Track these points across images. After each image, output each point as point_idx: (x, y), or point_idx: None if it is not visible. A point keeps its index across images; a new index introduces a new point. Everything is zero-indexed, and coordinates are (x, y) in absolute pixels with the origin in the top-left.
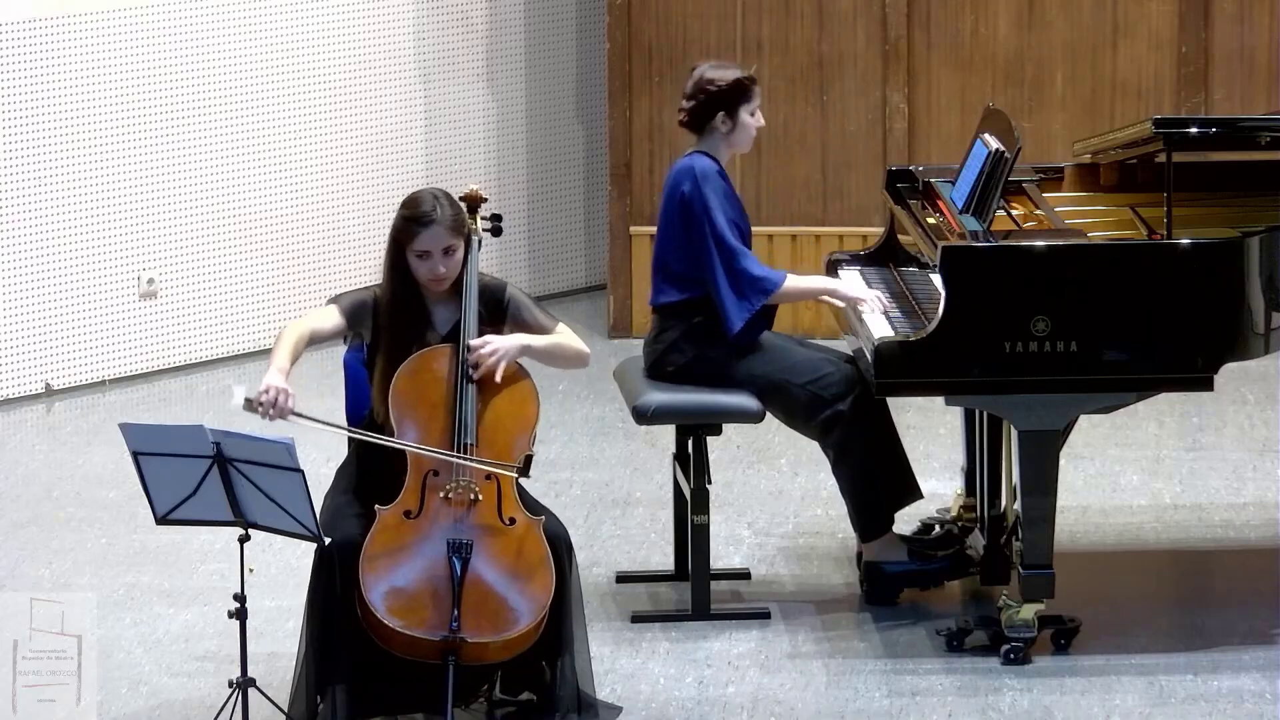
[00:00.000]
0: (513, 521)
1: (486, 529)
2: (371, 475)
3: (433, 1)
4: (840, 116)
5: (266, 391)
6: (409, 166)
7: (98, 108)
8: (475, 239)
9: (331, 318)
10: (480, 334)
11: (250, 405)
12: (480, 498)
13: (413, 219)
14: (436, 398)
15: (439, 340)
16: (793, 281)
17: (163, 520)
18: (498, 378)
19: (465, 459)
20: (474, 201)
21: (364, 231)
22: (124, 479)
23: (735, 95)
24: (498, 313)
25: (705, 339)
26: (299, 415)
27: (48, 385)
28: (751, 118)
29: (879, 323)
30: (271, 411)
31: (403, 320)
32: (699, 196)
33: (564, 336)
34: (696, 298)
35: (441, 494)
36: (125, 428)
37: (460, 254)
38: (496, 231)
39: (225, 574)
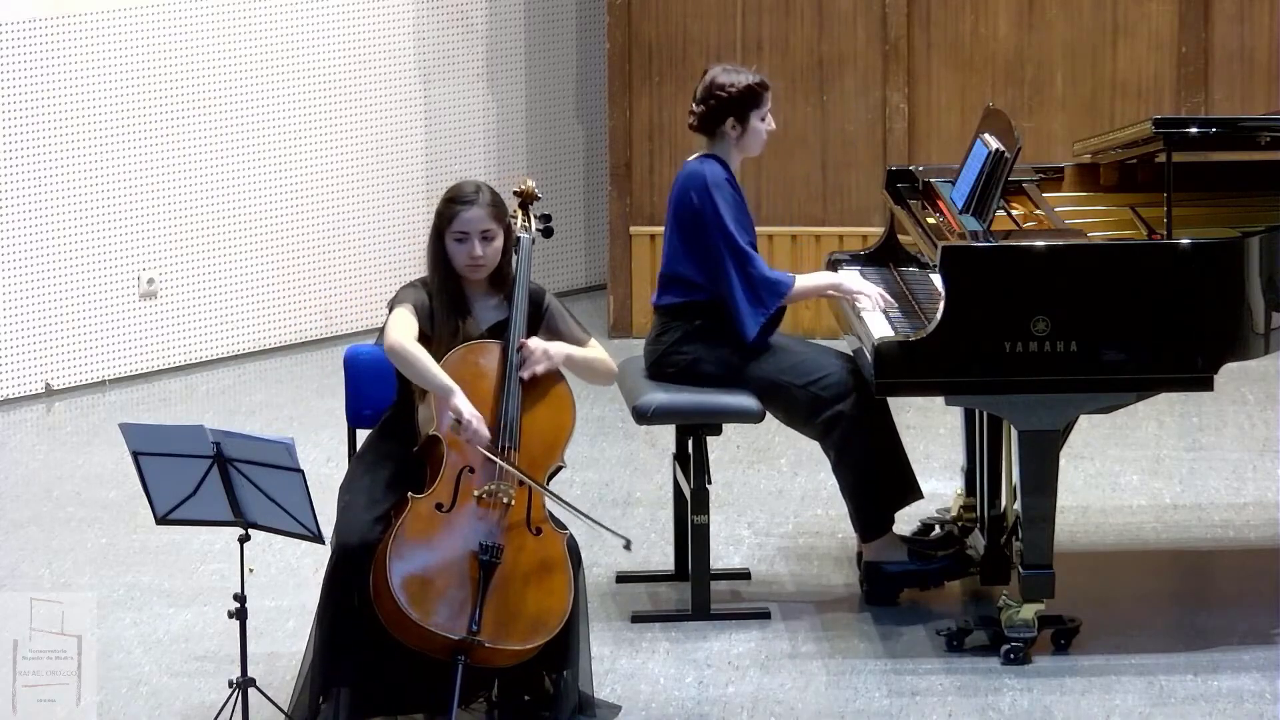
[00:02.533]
0: (539, 531)
1: (515, 535)
2: (392, 472)
3: (433, 1)
4: (840, 116)
5: (472, 421)
6: (409, 166)
7: (98, 108)
8: (529, 238)
9: (414, 324)
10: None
11: (457, 429)
12: (513, 503)
13: (453, 200)
14: (481, 394)
15: (481, 331)
16: (801, 282)
17: (163, 520)
18: (529, 373)
19: (519, 469)
20: (527, 197)
21: (364, 231)
22: (124, 479)
23: (746, 101)
24: (535, 317)
25: (706, 340)
26: (487, 451)
27: (48, 385)
28: (762, 123)
29: (879, 323)
30: (476, 439)
31: (446, 307)
32: (710, 204)
33: (598, 351)
34: (699, 301)
35: (476, 493)
36: (125, 428)
37: (499, 243)
38: (548, 233)
39: (225, 574)
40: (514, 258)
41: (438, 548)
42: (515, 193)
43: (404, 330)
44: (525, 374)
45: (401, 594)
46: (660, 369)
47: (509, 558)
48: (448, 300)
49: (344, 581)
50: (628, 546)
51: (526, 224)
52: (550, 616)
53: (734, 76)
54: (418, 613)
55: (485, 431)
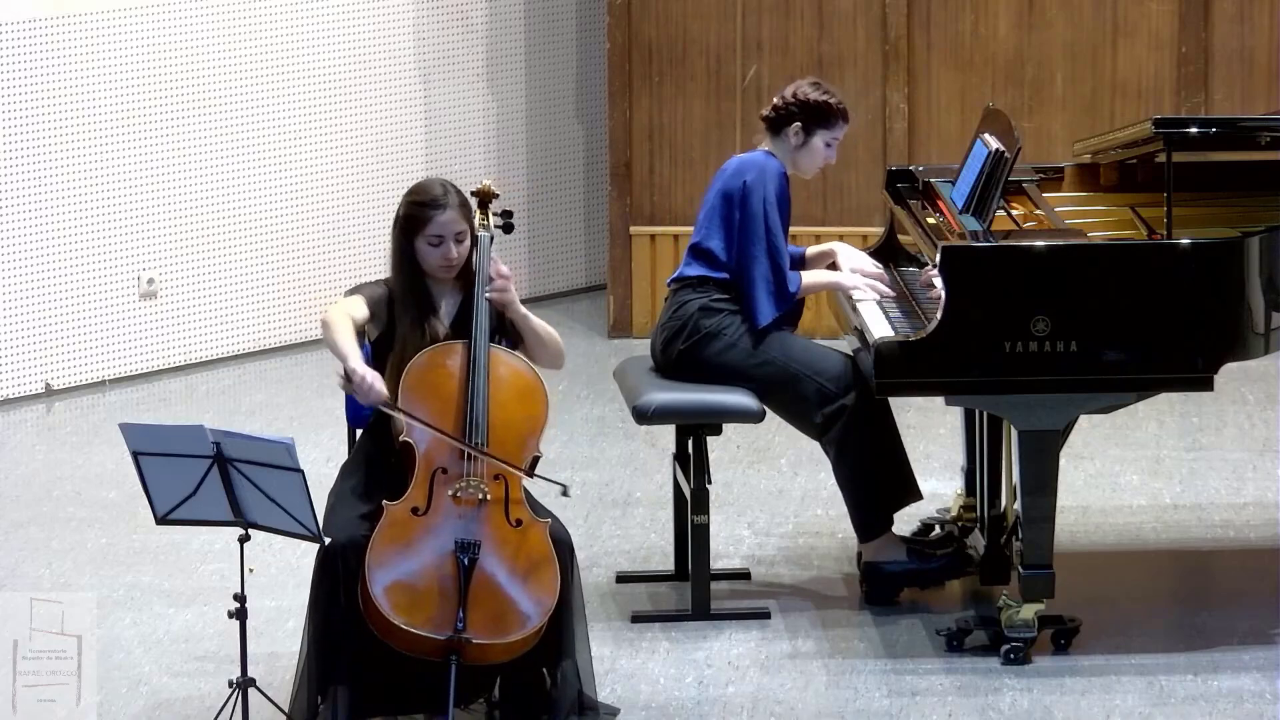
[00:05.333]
0: (519, 523)
1: (494, 529)
2: (378, 471)
3: (433, 1)
4: None
5: (364, 378)
6: (409, 166)
7: (98, 108)
8: (488, 235)
9: (360, 308)
10: (491, 330)
11: (349, 386)
12: (488, 498)
13: (425, 204)
14: (448, 394)
15: (446, 329)
16: (806, 280)
17: (163, 520)
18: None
19: (483, 452)
20: (485, 196)
21: (364, 231)
22: (124, 479)
23: (816, 114)
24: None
25: (723, 317)
26: (387, 406)
27: (48, 385)
28: (824, 146)
29: (879, 323)
30: (371, 396)
31: (412, 310)
32: (761, 189)
33: (549, 327)
34: (719, 279)
35: (450, 492)
36: (125, 428)
37: (468, 241)
38: (508, 229)
39: (225, 574)
40: (473, 255)
41: (417, 551)
42: (474, 193)
43: (342, 309)
44: (492, 296)
45: (385, 601)
46: (671, 345)
47: (489, 553)
48: (416, 300)
49: (331, 579)
50: (565, 493)
51: (485, 222)
52: (538, 607)
53: (817, 91)
54: (403, 618)
55: (381, 388)
